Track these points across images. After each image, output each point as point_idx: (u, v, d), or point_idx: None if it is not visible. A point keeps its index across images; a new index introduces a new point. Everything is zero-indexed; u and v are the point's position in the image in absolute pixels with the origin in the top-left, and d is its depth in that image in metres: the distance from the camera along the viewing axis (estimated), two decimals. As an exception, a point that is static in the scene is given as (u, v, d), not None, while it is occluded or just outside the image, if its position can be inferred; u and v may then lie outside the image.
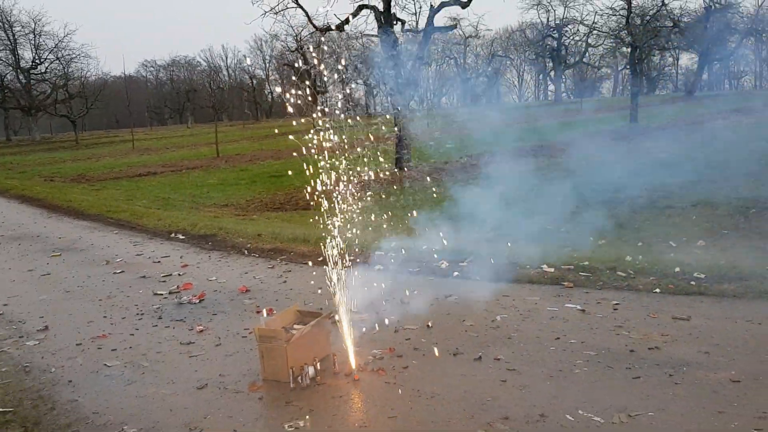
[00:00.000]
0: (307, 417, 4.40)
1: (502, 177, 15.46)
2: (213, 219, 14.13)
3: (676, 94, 63.41)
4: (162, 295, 7.83)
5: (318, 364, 5.03)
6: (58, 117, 64.53)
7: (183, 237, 11.49)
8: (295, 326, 5.38)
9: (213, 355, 5.72)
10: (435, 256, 8.53)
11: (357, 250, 9.15)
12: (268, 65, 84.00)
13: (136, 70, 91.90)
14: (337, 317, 5.40)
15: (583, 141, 22.56)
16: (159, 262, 9.69)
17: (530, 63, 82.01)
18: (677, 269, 7.36)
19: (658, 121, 29.21)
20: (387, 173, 18.67)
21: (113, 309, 7.38)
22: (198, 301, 7.43)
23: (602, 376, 4.74)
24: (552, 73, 73.73)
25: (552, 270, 7.71)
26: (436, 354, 5.35)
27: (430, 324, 6.10)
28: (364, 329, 5.92)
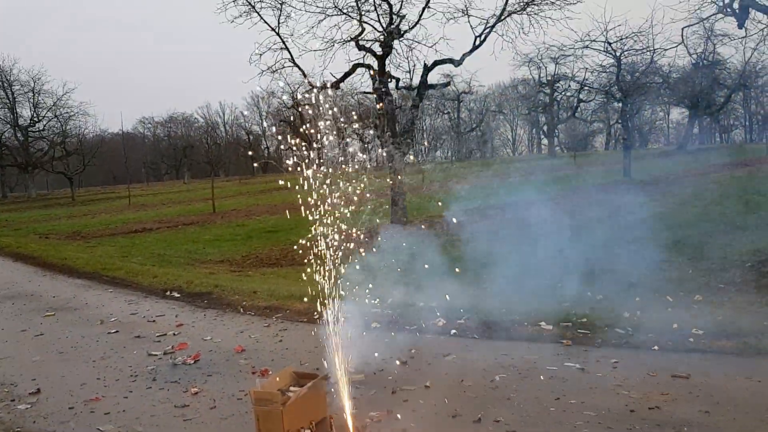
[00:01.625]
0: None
1: (496, 233, 15.54)
2: (208, 276, 14.05)
3: (667, 148, 64.18)
4: (156, 355, 7.74)
5: (314, 428, 4.95)
6: (54, 174, 64.82)
7: (178, 295, 11.42)
8: (291, 388, 5.31)
9: (208, 418, 5.63)
10: (431, 314, 8.50)
11: (352, 306, 9.12)
12: (264, 121, 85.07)
13: (133, 127, 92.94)
14: (332, 379, 5.34)
15: (576, 195, 22.72)
16: (154, 321, 9.61)
17: (523, 118, 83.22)
18: (675, 326, 7.33)
19: (651, 175, 29.46)
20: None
21: (107, 370, 7.28)
22: (193, 361, 7.35)
23: (603, 439, 4.68)
24: (545, 128, 74.70)
25: (550, 327, 7.67)
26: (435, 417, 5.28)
27: (428, 384, 6.03)
28: (361, 391, 5.84)
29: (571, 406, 5.33)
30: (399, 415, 5.35)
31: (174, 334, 8.72)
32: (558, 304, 8.75)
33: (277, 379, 5.35)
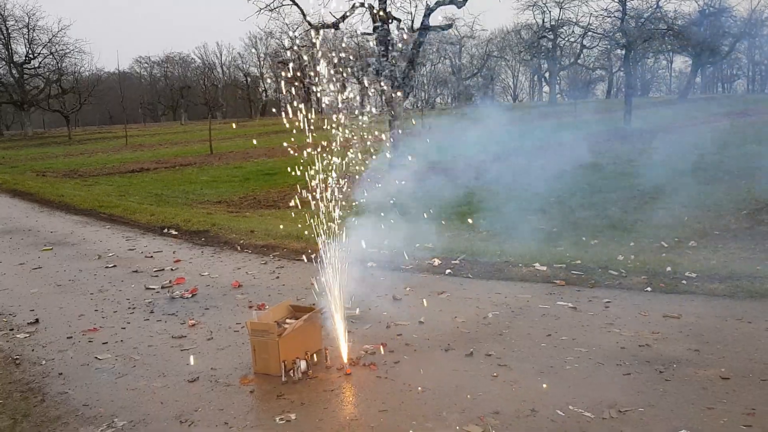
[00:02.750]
0: (298, 410, 4.41)
1: (496, 177, 15.53)
2: (206, 215, 14.07)
3: (669, 97, 63.62)
4: (154, 289, 7.81)
5: (310, 358, 5.04)
6: (51, 112, 64.22)
7: (176, 233, 11.46)
8: (288, 321, 5.39)
9: (205, 348, 5.72)
10: (428, 254, 8.56)
11: (350, 246, 9.18)
12: (262, 63, 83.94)
13: (130, 66, 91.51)
14: (326, 312, 5.40)
15: (577, 142, 22.64)
16: (151, 257, 9.67)
17: (525, 64, 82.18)
18: (668, 268, 7.39)
19: (652, 124, 29.28)
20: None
21: (105, 303, 7.36)
22: (190, 295, 7.42)
23: (593, 373, 4.76)
24: (547, 75, 73.84)
25: (544, 269, 7.73)
26: (428, 349, 5.37)
27: (422, 320, 6.11)
28: (356, 325, 5.91)
29: (562, 342, 5.41)
30: (394, 350, 5.43)
31: (171, 269, 8.78)
32: (553, 247, 8.83)
33: (274, 311, 5.42)
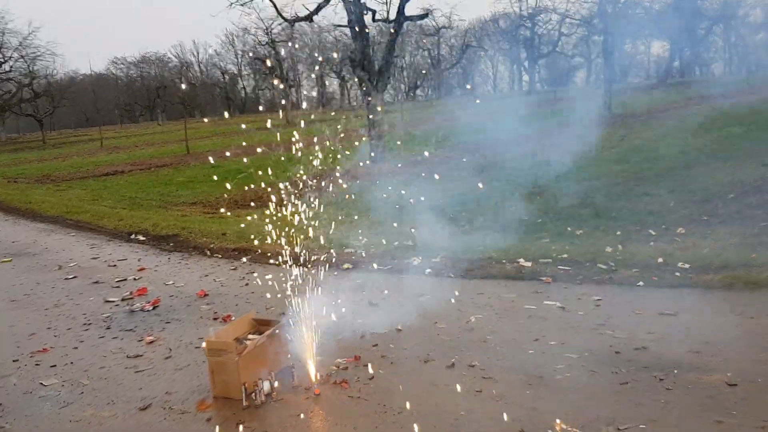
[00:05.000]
0: (260, 440, 3.93)
1: (473, 169, 15.14)
2: (179, 218, 13.53)
3: (648, 82, 63.57)
4: (113, 302, 7.29)
5: (274, 378, 4.55)
6: (24, 116, 63.00)
7: (143, 238, 10.91)
8: (250, 336, 4.90)
9: (161, 369, 5.22)
10: (407, 252, 8.10)
11: (323, 247, 8.70)
12: (240, 60, 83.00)
13: (105, 68, 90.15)
14: (292, 322, 4.91)
15: (557, 130, 22.30)
16: (115, 265, 9.13)
17: (504, 53, 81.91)
18: (660, 260, 6.98)
19: (632, 109, 29.01)
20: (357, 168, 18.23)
21: (59, 319, 6.83)
22: (151, 308, 6.91)
23: (586, 383, 4.31)
24: (526, 63, 73.53)
25: (529, 264, 7.29)
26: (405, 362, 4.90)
27: (400, 327, 5.64)
28: (327, 335, 5.41)
29: (551, 347, 4.96)
30: (369, 364, 4.96)
31: (134, 279, 8.25)
32: (536, 240, 8.42)
33: (234, 326, 4.93)
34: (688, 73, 73.96)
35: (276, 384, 4.53)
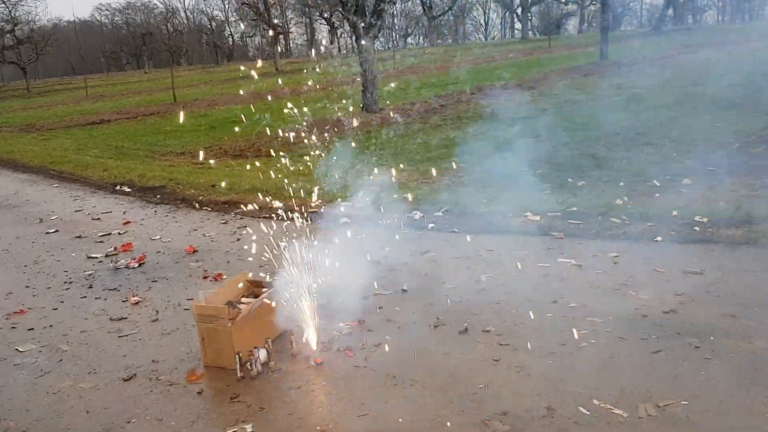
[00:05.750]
0: (256, 418, 3.53)
1: (470, 117, 14.63)
2: (166, 168, 13.01)
3: (642, 30, 62.45)
4: (97, 258, 6.84)
5: (271, 346, 4.14)
6: (7, 64, 61.30)
7: (129, 190, 10.41)
8: (243, 300, 4.48)
9: (147, 333, 4.80)
10: (408, 206, 7.66)
11: (321, 200, 8.25)
12: (227, 6, 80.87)
13: (90, 15, 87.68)
14: (288, 282, 4.48)
15: (554, 78, 21.74)
16: (99, 219, 8.65)
17: (496, 0, 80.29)
18: (675, 213, 6.57)
19: (628, 57, 28.32)
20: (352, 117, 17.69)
21: (38, 276, 6.39)
22: (137, 264, 6.47)
23: (615, 352, 3.92)
24: (519, 10, 71.96)
25: (538, 218, 6.88)
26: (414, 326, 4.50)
27: (405, 288, 5.23)
28: (328, 297, 4.98)
29: (571, 310, 4.57)
30: (372, 327, 4.56)
31: (119, 233, 7.80)
32: (539, 192, 7.99)
33: (226, 289, 4.50)
34: (681, 21, 72.92)
35: (273, 352, 4.12)
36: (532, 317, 4.48)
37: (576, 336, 4.13)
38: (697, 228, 6.15)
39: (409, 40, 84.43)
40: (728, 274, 5.00)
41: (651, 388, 3.47)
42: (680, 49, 30.01)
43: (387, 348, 4.21)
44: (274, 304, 4.32)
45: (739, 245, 5.67)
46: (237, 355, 3.99)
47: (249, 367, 3.99)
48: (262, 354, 4.06)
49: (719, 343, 3.90)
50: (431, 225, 6.97)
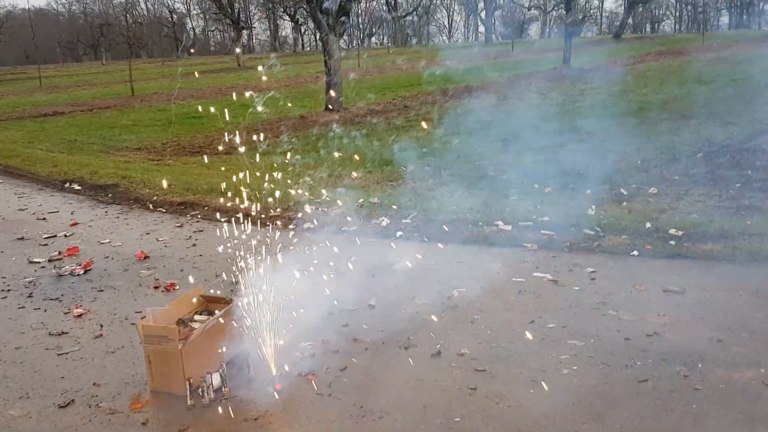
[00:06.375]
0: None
1: (437, 119, 14.39)
2: (121, 165, 12.46)
3: (603, 37, 63.28)
4: (39, 263, 6.35)
5: (225, 371, 3.76)
6: (-44, 51, 59.14)
7: (79, 188, 9.86)
8: (197, 318, 4.09)
9: (89, 351, 4.37)
10: (373, 211, 7.34)
11: (283, 204, 7.86)
12: (189, -1, 79.48)
13: (47, 2, 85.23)
14: (247, 297, 4.10)
15: (520, 82, 21.68)
16: (44, 219, 8.12)
17: (461, 3, 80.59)
18: (648, 225, 6.38)
19: (590, 63, 28.47)
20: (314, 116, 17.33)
21: (-27, 284, 5.88)
22: (82, 271, 6.00)
23: (598, 380, 3.65)
24: (482, 14, 72.29)
25: (509, 228, 6.61)
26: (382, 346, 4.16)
27: (373, 303, 4.89)
28: (288, 313, 4.60)
29: (550, 332, 4.29)
30: (337, 347, 4.22)
31: (65, 236, 7.30)
32: (504, 198, 7.76)
33: (178, 305, 4.11)
34: (640, 29, 74.40)
35: (227, 378, 3.74)
36: (508, 339, 4.19)
37: (557, 362, 3.85)
38: (672, 242, 5.96)
39: (373, 39, 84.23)
40: (710, 294, 4.79)
41: (641, 425, 3.20)
42: (640, 57, 30.34)
43: (353, 372, 3.86)
44: (230, 323, 3.93)
45: (717, 261, 5.48)
46: (187, 382, 3.61)
47: (202, 394, 3.61)
48: (216, 379, 3.69)
49: (709, 372, 3.66)
50: (399, 233, 6.64)
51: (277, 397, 3.63)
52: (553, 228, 6.53)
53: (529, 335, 4.22)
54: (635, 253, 5.77)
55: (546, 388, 3.57)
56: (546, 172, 9.08)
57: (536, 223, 6.73)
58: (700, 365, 3.74)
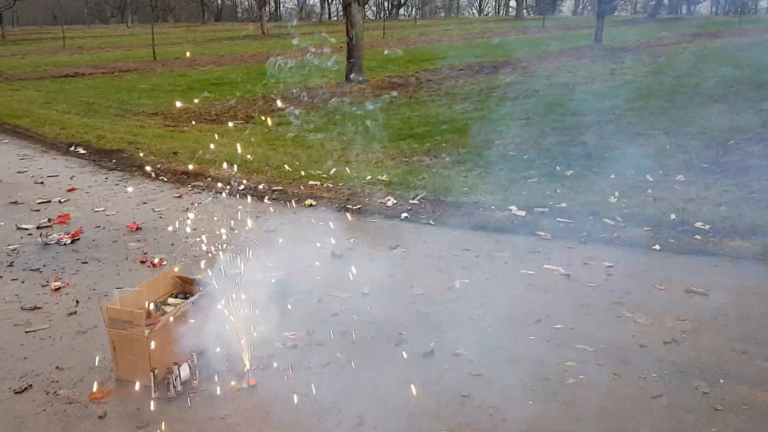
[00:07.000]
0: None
1: (458, 95, 13.91)
2: (132, 129, 12.18)
3: (636, 16, 61.74)
4: (27, 230, 6.07)
5: (196, 362, 3.43)
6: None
7: (84, 151, 9.58)
8: (170, 300, 3.76)
9: (59, 329, 4.07)
10: (380, 190, 6.96)
11: (286, 179, 7.52)
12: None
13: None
14: (230, 279, 3.77)
15: (548, 58, 21.04)
16: (42, 183, 7.85)
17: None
18: (673, 216, 5.94)
19: (623, 42, 27.61)
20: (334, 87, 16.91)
21: (-44, 249, 5.62)
22: (69, 241, 5.71)
23: (608, 393, 3.26)
24: (515, -13, 70.83)
25: (523, 214, 6.20)
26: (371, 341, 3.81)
27: (366, 291, 4.53)
28: (275, 298, 4.26)
29: (557, 333, 3.90)
30: (322, 340, 3.87)
31: (60, 201, 7.01)
32: (524, 180, 7.36)
33: (150, 286, 3.78)
34: (676, 11, 72.46)
35: (197, 369, 3.42)
36: (510, 340, 3.81)
37: (562, 369, 3.47)
38: (698, 237, 5.52)
39: (401, 11, 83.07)
40: (737, 297, 4.36)
41: (652, 451, 2.82)
42: (675, 38, 29.38)
43: (336, 370, 3.52)
44: (204, 308, 3.60)
45: (746, 261, 5.04)
46: (152, 372, 3.29)
47: (170, 385, 3.29)
48: (184, 371, 3.36)
49: (731, 390, 3.26)
50: (404, 214, 6.26)
51: (249, 394, 3.30)
52: (570, 216, 6.11)
53: (533, 336, 3.84)
54: (657, 247, 5.34)
55: (546, 401, 3.20)
56: (568, 153, 8.69)
57: (553, 209, 6.31)
58: (721, 381, 3.34)
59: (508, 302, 4.32)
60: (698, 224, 5.79)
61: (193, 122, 13.71)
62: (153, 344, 3.31)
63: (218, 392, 3.31)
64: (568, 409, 3.12)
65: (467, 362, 3.57)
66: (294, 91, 15.66)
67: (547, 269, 4.91)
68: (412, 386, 3.31)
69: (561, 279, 4.74)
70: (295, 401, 3.23)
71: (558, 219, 6.05)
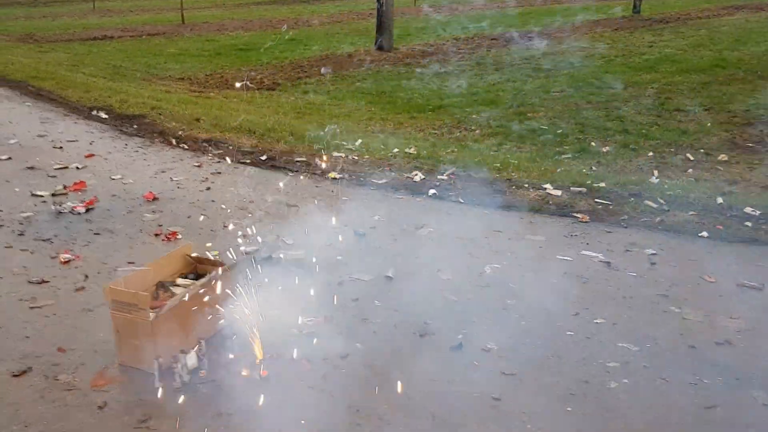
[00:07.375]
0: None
1: (492, 65, 13.46)
2: (159, 94, 11.96)
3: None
4: (41, 197, 5.85)
5: (204, 350, 3.18)
6: (17, -30, 59.20)
7: (105, 116, 9.34)
8: (179, 282, 3.50)
9: (65, 306, 3.84)
10: (408, 163, 6.64)
11: (309, 152, 7.24)
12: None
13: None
14: (247, 259, 3.51)
15: (583, 29, 20.35)
16: (61, 147, 7.62)
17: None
18: (720, 200, 5.54)
19: (662, 13, 26.65)
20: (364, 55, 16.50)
21: (-33, 214, 5.43)
22: (84, 210, 5.48)
23: (655, 401, 2.94)
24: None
25: (559, 193, 5.85)
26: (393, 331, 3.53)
27: (390, 274, 4.23)
28: (293, 278, 3.99)
29: (598, 330, 3.57)
30: (342, 329, 3.60)
31: (78, 168, 6.79)
32: (557, 155, 7.02)
33: (160, 265, 3.53)
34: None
35: (205, 358, 3.17)
36: (546, 335, 3.50)
37: (603, 371, 3.16)
38: (748, 223, 5.12)
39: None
40: (797, 295, 3.99)
41: (707, 472, 2.51)
42: (716, 10, 28.29)
43: (355, 363, 3.24)
44: (216, 290, 3.34)
45: (802, 252, 4.65)
46: (157, 360, 3.04)
47: (176, 374, 3.04)
48: (191, 360, 3.11)
49: (796, 404, 2.93)
50: (432, 191, 5.92)
51: (260, 387, 3.04)
52: (609, 196, 5.75)
53: (571, 332, 3.53)
54: (704, 234, 4.95)
55: (586, 407, 2.89)
56: (604, 128, 8.33)
57: (591, 189, 5.95)
58: (783, 394, 3.00)
59: (543, 292, 3.99)
60: (747, 209, 5.40)
61: (218, 89, 13.46)
62: (158, 330, 3.06)
63: (228, 383, 3.06)
64: (612, 419, 2.81)
65: (498, 359, 3.27)
66: (322, 59, 15.30)
67: (586, 255, 4.57)
68: (438, 385, 3.02)
69: (600, 267, 4.40)
70: (309, 398, 2.96)
71: (596, 200, 5.69)
